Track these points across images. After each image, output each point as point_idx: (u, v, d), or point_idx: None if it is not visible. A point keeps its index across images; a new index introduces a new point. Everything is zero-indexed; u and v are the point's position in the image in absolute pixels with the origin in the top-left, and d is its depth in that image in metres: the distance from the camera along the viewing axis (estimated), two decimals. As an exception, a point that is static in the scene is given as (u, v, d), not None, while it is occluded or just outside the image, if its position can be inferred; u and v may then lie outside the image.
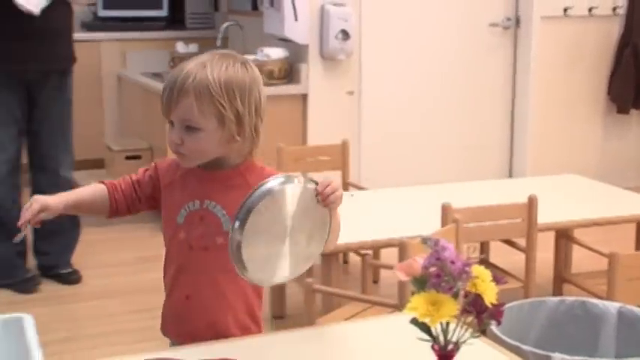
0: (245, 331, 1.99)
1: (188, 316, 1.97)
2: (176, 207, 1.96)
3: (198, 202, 1.94)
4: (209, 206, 1.93)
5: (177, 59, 6.00)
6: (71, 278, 4.36)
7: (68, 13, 4.25)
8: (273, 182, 1.72)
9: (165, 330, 2.06)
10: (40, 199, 1.90)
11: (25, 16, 3.92)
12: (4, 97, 4.09)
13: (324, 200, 1.76)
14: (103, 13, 6.54)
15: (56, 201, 1.93)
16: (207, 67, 1.87)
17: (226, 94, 1.87)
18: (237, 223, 1.69)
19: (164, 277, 2.04)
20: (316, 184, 1.77)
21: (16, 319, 1.56)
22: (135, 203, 2.01)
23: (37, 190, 4.30)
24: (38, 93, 4.18)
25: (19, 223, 1.88)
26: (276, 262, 1.78)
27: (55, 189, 4.48)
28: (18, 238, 1.95)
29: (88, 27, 6.41)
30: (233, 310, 1.97)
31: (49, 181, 4.27)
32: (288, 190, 1.73)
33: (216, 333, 1.93)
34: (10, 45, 4.03)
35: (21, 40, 4.02)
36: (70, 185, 4.19)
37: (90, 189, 2.03)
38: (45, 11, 3.96)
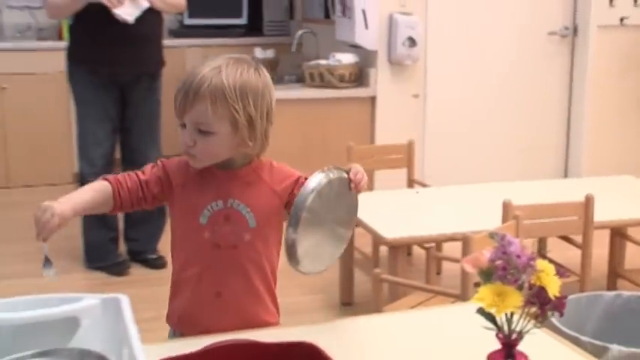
0: (272, 318, 1.96)
1: (219, 313, 1.89)
2: (197, 208, 1.86)
3: (221, 201, 1.86)
4: (233, 205, 1.86)
5: (255, 64, 6.03)
6: (157, 263, 4.42)
7: (159, 22, 4.31)
8: (316, 179, 1.74)
9: (182, 326, 1.97)
10: (57, 211, 1.72)
11: (121, 25, 3.99)
12: (100, 98, 4.17)
13: (356, 187, 1.79)
14: (189, 21, 6.60)
15: (67, 208, 1.75)
16: (223, 71, 1.80)
17: (240, 100, 1.80)
18: (291, 222, 1.71)
19: (178, 274, 1.94)
20: (347, 172, 1.79)
21: (114, 298, 1.58)
22: (140, 202, 1.90)
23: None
24: (130, 94, 4.25)
25: (41, 236, 1.72)
26: (322, 250, 1.82)
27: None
28: (48, 273, 1.79)
29: (174, 34, 6.49)
30: (263, 300, 1.94)
31: (138, 174, 4.34)
32: (329, 184, 1.75)
33: (247, 325, 1.87)
34: (107, 50, 4.10)
35: (117, 45, 4.09)
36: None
37: (94, 188, 1.88)
38: (138, 20, 4.03)
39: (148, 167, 1.93)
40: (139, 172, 1.91)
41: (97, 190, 1.87)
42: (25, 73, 5.88)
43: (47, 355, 1.50)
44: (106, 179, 1.88)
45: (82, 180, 4.26)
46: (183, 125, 1.83)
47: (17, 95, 5.88)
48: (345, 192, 1.80)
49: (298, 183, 1.87)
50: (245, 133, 1.81)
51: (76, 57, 4.22)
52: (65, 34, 5.76)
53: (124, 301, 1.55)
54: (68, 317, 1.56)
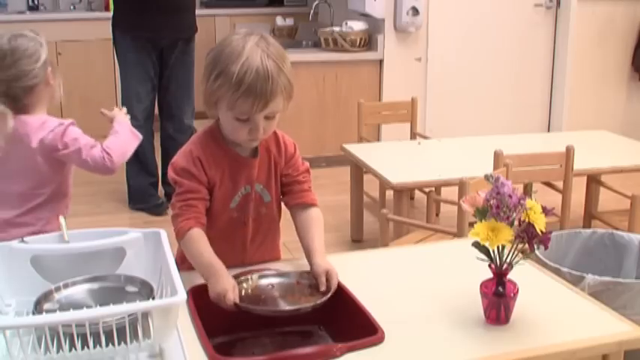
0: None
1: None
2: (230, 195, 1.73)
3: (249, 187, 1.74)
4: (257, 188, 1.75)
5: (277, 30, 5.96)
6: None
7: (192, -7, 4.25)
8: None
9: None
10: (230, 297, 1.51)
11: (160, -6, 3.95)
12: (142, 59, 4.13)
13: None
14: (218, -7, 6.53)
15: (229, 284, 1.54)
16: (271, 57, 1.56)
17: (291, 72, 1.62)
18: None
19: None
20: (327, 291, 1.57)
21: (155, 232, 1.58)
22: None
23: (165, 134, 4.36)
24: (168, 56, 4.21)
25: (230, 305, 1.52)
26: None
27: (180, 134, 4.52)
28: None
29: (206, 4, 6.41)
30: (278, 247, 1.88)
31: (175, 127, 4.32)
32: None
33: None
34: (147, 18, 4.05)
35: (156, 14, 4.04)
36: (191, 131, 4.23)
37: (203, 247, 1.63)
38: (175, -9, 3.98)
39: (192, 185, 1.67)
40: (199, 194, 1.68)
41: (205, 243, 1.64)
42: (77, 40, 5.84)
43: (98, 280, 1.51)
44: (194, 226, 1.65)
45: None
46: (244, 120, 1.61)
47: (70, 59, 5.84)
48: None
49: (293, 159, 1.78)
50: (289, 100, 1.64)
51: (120, 25, 4.17)
52: (111, 5, 5.69)
53: (163, 235, 1.55)
54: (116, 248, 1.56)
